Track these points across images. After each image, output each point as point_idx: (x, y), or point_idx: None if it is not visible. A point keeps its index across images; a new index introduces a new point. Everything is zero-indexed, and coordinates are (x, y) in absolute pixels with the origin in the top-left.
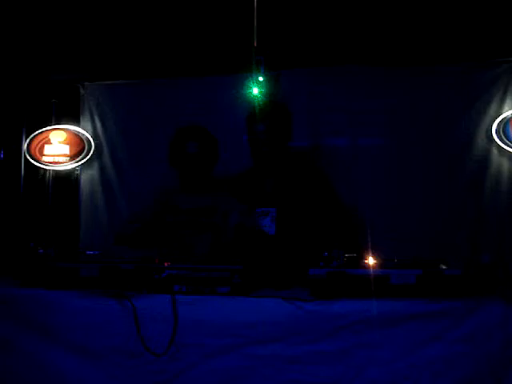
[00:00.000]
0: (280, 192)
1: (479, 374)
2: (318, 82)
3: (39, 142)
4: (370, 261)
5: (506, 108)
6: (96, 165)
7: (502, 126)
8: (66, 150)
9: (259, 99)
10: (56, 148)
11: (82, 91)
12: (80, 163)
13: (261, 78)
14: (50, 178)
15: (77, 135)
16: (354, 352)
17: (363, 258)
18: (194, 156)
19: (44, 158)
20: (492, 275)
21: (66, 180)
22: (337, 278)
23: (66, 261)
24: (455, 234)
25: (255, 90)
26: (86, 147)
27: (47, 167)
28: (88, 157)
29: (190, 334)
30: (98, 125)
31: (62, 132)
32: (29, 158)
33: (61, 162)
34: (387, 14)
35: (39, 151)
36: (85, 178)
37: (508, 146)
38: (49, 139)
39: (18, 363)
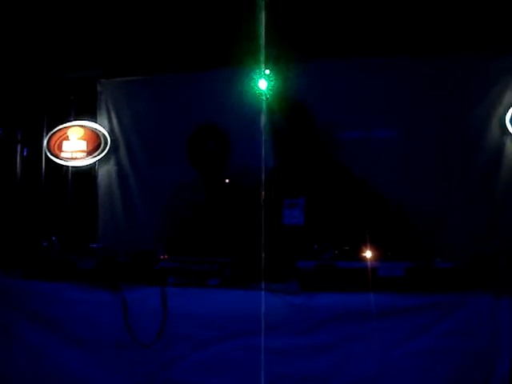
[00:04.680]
0: (307, 184)
1: (466, 368)
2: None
3: (58, 139)
4: (361, 254)
5: None
6: (112, 160)
7: None
8: (84, 145)
9: (271, 94)
10: (74, 144)
11: (98, 88)
12: (97, 158)
13: (267, 71)
14: (70, 174)
15: (94, 131)
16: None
17: (356, 251)
18: (212, 155)
19: (63, 154)
20: (485, 267)
21: (85, 176)
22: (325, 271)
23: (66, 253)
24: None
25: (263, 84)
26: (103, 143)
27: (66, 163)
28: (104, 152)
29: (180, 325)
30: (115, 121)
31: (79, 128)
32: (48, 154)
33: (78, 158)
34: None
35: (58, 147)
36: (102, 173)
37: None
38: (67, 136)
39: (18, 352)
